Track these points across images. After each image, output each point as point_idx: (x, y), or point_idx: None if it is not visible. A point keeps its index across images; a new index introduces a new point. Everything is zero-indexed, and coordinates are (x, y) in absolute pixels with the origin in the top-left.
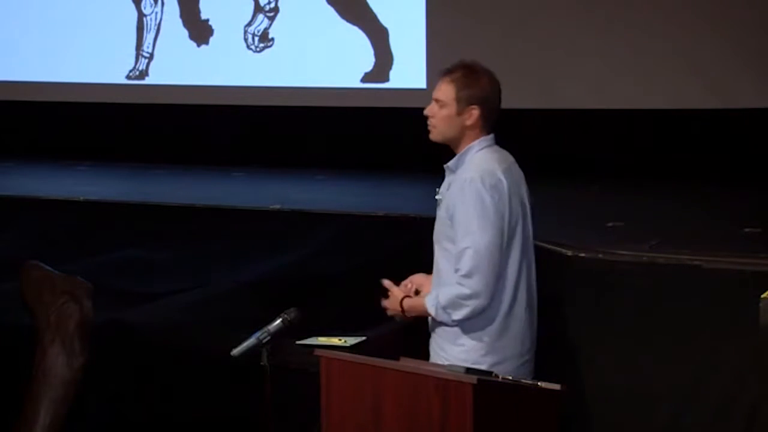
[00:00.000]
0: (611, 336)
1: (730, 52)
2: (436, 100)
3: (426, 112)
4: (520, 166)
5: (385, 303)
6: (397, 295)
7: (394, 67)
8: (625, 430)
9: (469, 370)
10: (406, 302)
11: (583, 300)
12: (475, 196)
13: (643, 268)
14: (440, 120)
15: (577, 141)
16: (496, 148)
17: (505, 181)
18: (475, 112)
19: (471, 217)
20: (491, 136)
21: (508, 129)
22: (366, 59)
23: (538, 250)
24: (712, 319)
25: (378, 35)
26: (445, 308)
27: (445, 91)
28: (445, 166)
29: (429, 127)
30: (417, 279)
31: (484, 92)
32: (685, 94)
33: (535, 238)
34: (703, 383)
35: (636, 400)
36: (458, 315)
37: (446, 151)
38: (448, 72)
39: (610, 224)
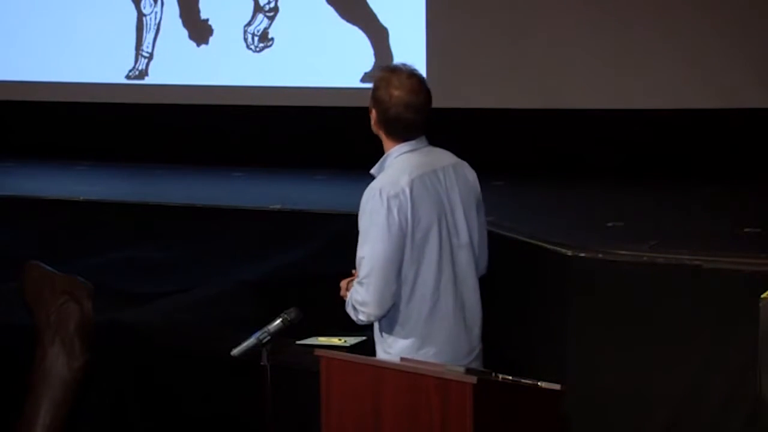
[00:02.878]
0: (611, 336)
1: (731, 52)
2: None
3: None
4: (520, 166)
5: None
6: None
7: None
8: (625, 430)
9: (469, 371)
10: (350, 285)
11: (583, 300)
12: (370, 208)
13: (643, 268)
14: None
15: (577, 141)
16: (426, 150)
17: (408, 191)
18: (372, 114)
19: (368, 228)
20: (416, 140)
21: (508, 129)
22: (366, 59)
23: (538, 250)
24: (712, 319)
25: (378, 35)
26: (353, 307)
27: None
28: (371, 172)
29: None
30: None
31: (379, 97)
32: (685, 94)
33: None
34: (703, 383)
35: (636, 400)
36: (358, 317)
37: None
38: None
39: (610, 224)
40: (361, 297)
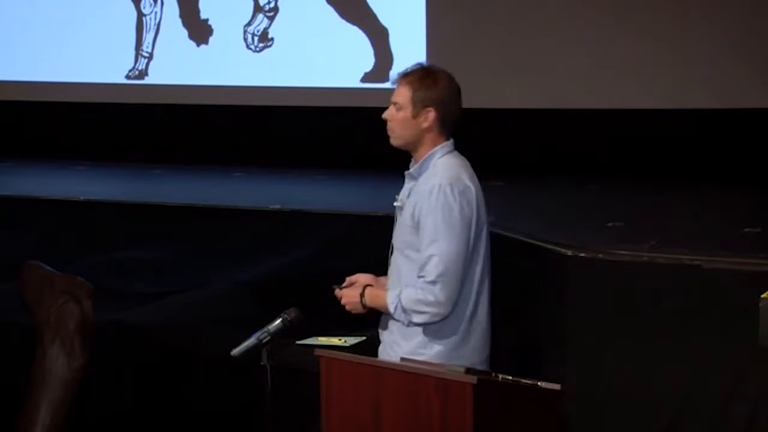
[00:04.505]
0: (611, 336)
1: (731, 52)
2: (394, 103)
3: (384, 115)
4: (520, 166)
5: (343, 292)
6: (362, 282)
7: (394, 67)
8: (625, 430)
9: (469, 371)
10: (369, 291)
11: (583, 300)
12: (442, 204)
13: (643, 268)
14: (397, 123)
15: (577, 141)
16: (457, 153)
17: (472, 188)
18: (431, 115)
19: (438, 225)
20: (451, 141)
21: (508, 129)
22: (366, 59)
23: (538, 250)
24: (712, 319)
25: (378, 35)
26: (405, 310)
27: (402, 93)
28: (406, 173)
29: (388, 132)
30: (363, 279)
31: (440, 94)
32: (685, 94)
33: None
34: (703, 383)
35: (636, 400)
36: (417, 319)
37: None
38: (405, 74)
39: (610, 224)
40: (433, 296)
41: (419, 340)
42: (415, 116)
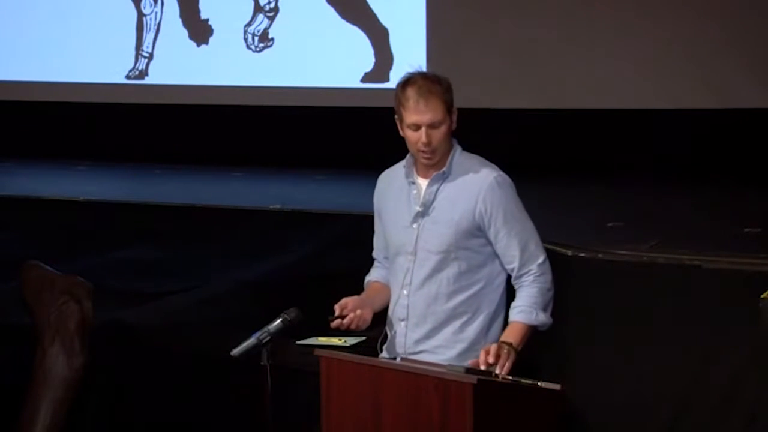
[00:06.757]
0: (611, 336)
1: (731, 52)
2: (431, 124)
3: (425, 141)
4: (521, 166)
5: (495, 361)
6: (352, 307)
7: (394, 67)
8: (625, 430)
9: (469, 371)
10: (511, 341)
11: (583, 300)
12: (513, 190)
13: (643, 268)
14: (443, 140)
15: (577, 141)
16: None
17: None
18: (455, 113)
19: (521, 211)
20: None
21: (508, 129)
22: (366, 59)
23: None
24: (712, 319)
25: (378, 35)
26: (545, 308)
27: (438, 108)
28: (434, 174)
29: (431, 156)
30: (352, 303)
31: (452, 92)
32: (685, 94)
33: None
34: (703, 383)
35: (636, 400)
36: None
37: None
38: (431, 91)
39: (610, 224)
40: (550, 273)
41: (478, 331)
42: (452, 120)
